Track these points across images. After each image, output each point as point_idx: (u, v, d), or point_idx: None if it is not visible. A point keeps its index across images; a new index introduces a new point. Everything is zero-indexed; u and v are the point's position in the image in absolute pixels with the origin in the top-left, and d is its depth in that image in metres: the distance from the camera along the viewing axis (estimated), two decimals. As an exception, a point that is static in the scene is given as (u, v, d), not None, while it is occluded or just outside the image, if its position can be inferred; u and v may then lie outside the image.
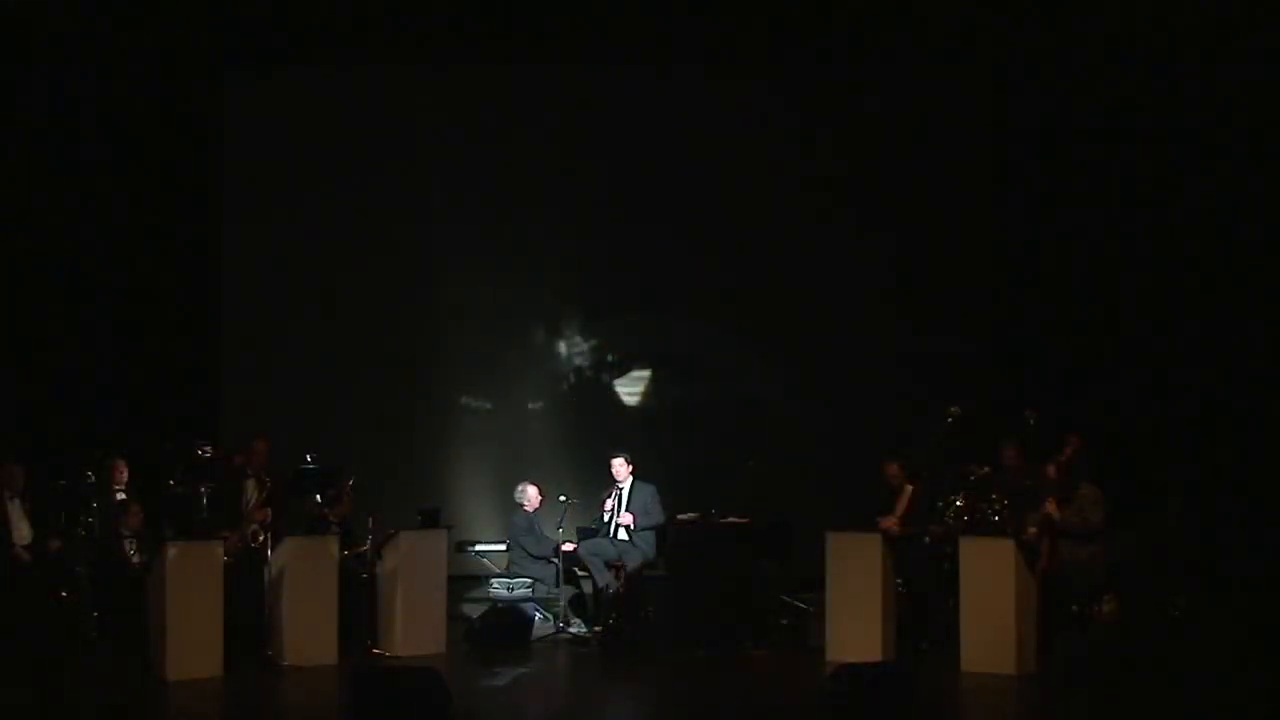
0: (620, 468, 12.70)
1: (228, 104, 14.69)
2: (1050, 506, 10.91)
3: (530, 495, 12.91)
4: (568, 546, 12.60)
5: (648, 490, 12.66)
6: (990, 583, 10.68)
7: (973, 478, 11.47)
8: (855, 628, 11.05)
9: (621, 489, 12.69)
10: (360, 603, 11.61)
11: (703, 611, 11.86)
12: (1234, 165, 13.24)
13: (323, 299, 14.57)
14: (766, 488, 12.30)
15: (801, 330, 14.55)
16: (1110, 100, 13.75)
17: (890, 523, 11.68)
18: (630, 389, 14.91)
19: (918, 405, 13.09)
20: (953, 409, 11.64)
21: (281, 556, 11.14)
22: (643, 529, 12.55)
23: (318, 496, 11.55)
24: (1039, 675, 10.61)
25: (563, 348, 14.93)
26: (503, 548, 13.26)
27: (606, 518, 12.70)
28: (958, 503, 11.40)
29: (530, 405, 14.86)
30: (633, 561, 12.38)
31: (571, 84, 14.68)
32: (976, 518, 11.13)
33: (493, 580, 12.90)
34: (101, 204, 14.19)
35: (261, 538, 11.37)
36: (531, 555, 12.72)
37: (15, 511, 11.90)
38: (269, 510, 11.54)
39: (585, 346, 14.93)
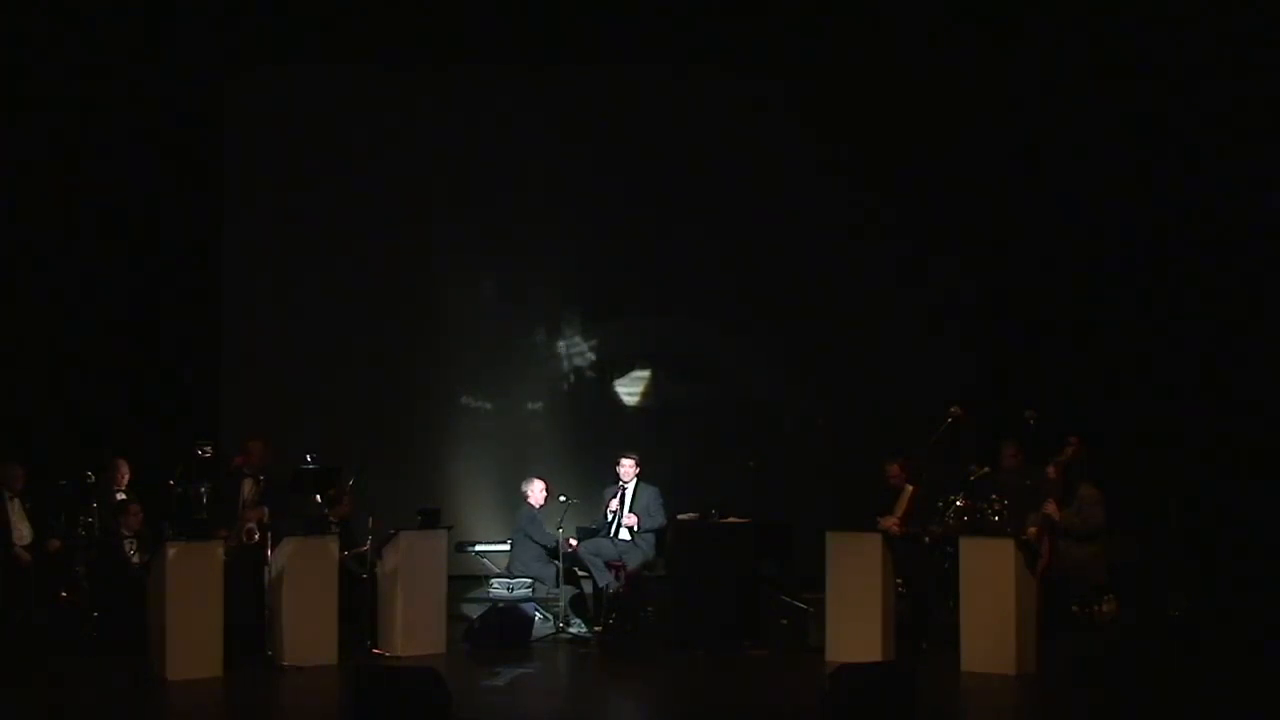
0: (629, 468, 12.69)
1: (227, 104, 14.70)
2: (1050, 507, 10.90)
3: (536, 489, 12.85)
4: (571, 542, 12.58)
5: (651, 492, 12.66)
6: (990, 583, 10.67)
7: (973, 478, 11.47)
8: (855, 628, 11.04)
9: (625, 487, 12.69)
10: (360, 603, 11.61)
11: (703, 611, 11.85)
12: (1236, 164, 13.22)
13: (322, 299, 14.57)
14: (766, 488, 12.30)
15: (803, 330, 14.55)
16: (1110, 100, 13.74)
17: (890, 523, 11.69)
18: (630, 389, 14.91)
19: (918, 405, 13.09)
20: (953, 409, 11.65)
21: (281, 556, 11.13)
22: (645, 531, 12.55)
23: (318, 496, 11.55)
24: (1039, 675, 10.59)
25: (563, 348, 14.93)
26: (503, 547, 13.24)
27: (610, 516, 12.70)
28: (958, 503, 11.40)
29: (530, 405, 14.86)
30: (633, 561, 12.38)
31: (572, 84, 14.68)
32: (976, 518, 11.12)
33: (493, 580, 12.88)
34: (101, 203, 14.18)
35: (257, 536, 11.37)
36: (537, 544, 12.63)
37: (15, 511, 11.91)
38: (265, 509, 11.53)
39: (585, 346, 14.93)
